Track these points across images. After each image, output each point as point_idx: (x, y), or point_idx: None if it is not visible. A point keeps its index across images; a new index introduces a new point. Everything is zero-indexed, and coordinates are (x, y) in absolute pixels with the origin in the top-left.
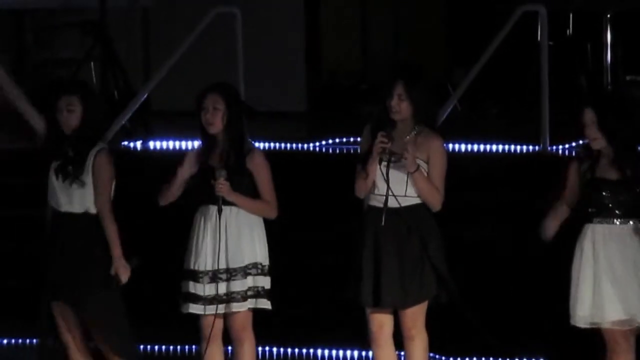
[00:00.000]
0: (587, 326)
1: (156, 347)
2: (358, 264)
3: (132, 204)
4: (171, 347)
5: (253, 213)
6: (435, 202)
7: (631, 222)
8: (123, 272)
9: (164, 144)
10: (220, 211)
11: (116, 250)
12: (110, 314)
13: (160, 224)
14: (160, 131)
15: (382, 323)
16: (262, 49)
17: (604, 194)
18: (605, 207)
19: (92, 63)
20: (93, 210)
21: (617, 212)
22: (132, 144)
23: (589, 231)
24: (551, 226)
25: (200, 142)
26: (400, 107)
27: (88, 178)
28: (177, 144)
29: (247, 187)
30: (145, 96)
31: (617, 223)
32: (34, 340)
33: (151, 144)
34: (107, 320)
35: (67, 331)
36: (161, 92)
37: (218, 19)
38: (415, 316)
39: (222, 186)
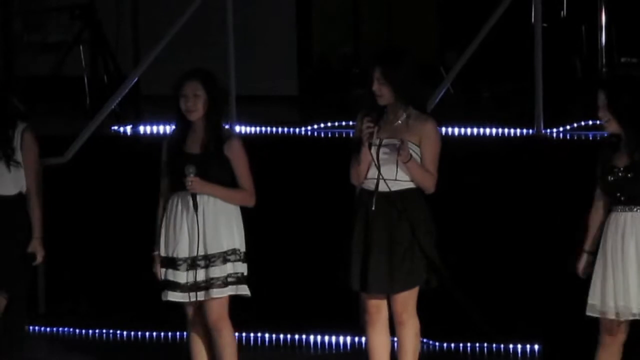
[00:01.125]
0: (596, 315)
1: (147, 334)
2: (348, 248)
3: (122, 188)
4: (162, 334)
5: (230, 202)
6: (429, 185)
7: (636, 210)
8: (40, 251)
9: (154, 129)
10: (195, 207)
11: (37, 231)
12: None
13: (150, 209)
14: (150, 115)
15: (377, 308)
16: (253, 33)
17: (609, 180)
18: (613, 195)
19: (81, 47)
20: (24, 190)
21: (622, 199)
22: (122, 129)
23: (609, 221)
24: (594, 221)
25: (175, 128)
26: (382, 91)
27: (19, 157)
28: (167, 128)
29: (225, 174)
30: (135, 80)
31: (626, 211)
32: None
33: (141, 129)
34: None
35: None
36: (151, 76)
37: (209, 2)
38: (406, 301)
39: (193, 183)
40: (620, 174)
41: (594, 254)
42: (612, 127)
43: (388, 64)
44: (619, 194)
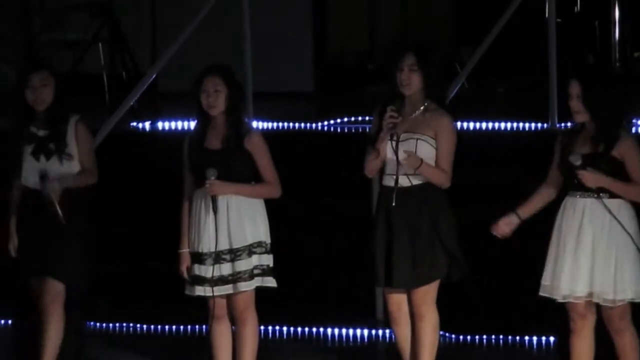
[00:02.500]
0: (547, 295)
1: (166, 328)
2: (371, 245)
3: (141, 184)
4: (181, 327)
5: (256, 197)
6: (444, 182)
7: (595, 197)
8: (55, 190)
9: (172, 125)
10: (215, 210)
11: (69, 182)
12: (78, 285)
13: (169, 204)
14: (168, 112)
15: (398, 305)
16: (269, 29)
17: (569, 168)
18: (571, 180)
19: (100, 44)
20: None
21: (579, 184)
22: (140, 125)
23: (565, 204)
24: (539, 193)
25: (196, 124)
26: (411, 79)
27: (73, 150)
28: (185, 124)
29: (247, 169)
30: (153, 77)
31: (582, 196)
32: (9, 322)
33: (159, 125)
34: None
35: (45, 304)
36: (169, 73)
37: None
38: (425, 295)
39: (212, 186)
40: (580, 161)
41: (519, 219)
42: (582, 118)
43: (422, 52)
44: (576, 180)
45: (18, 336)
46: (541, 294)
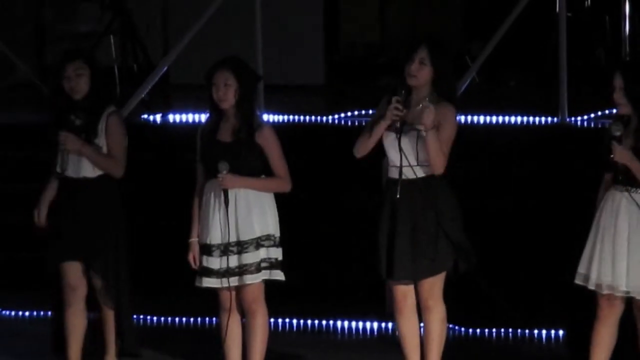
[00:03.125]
0: (581, 284)
1: (176, 320)
2: (375, 237)
3: (151, 176)
4: (191, 320)
5: (266, 191)
6: (440, 164)
7: (632, 191)
8: (72, 142)
9: (183, 117)
10: (227, 203)
11: (91, 151)
12: (116, 275)
13: (180, 196)
14: (180, 104)
15: (404, 295)
16: (280, 22)
17: (611, 157)
18: (612, 174)
19: (111, 37)
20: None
21: (619, 178)
22: (151, 117)
23: (607, 196)
24: (599, 196)
25: (208, 116)
26: (420, 72)
27: (102, 141)
28: (197, 117)
29: (257, 162)
30: (164, 70)
31: (622, 190)
32: (49, 313)
33: (170, 117)
34: (111, 282)
35: (73, 291)
36: (180, 65)
37: None
38: (432, 287)
39: (224, 180)
40: (619, 133)
41: None
42: (625, 110)
43: (435, 46)
44: (616, 174)
45: (56, 327)
46: (576, 281)
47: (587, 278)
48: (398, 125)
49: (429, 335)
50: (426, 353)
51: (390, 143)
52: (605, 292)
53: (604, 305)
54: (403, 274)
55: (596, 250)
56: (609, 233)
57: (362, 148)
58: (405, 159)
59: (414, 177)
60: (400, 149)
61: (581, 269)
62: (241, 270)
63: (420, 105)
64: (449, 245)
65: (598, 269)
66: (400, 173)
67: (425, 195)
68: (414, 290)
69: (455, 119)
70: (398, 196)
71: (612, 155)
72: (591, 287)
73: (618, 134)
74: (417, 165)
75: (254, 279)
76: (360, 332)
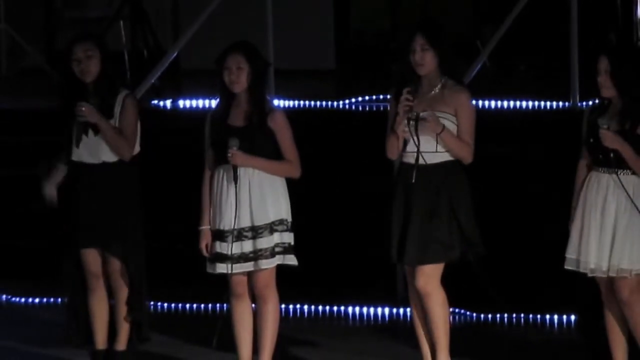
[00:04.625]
0: (572, 269)
1: (187, 306)
2: (388, 221)
3: (161, 162)
4: (202, 306)
5: (275, 174)
6: (466, 155)
7: (622, 173)
8: (92, 113)
9: (194, 103)
10: (235, 179)
11: (104, 122)
12: (133, 258)
13: (190, 182)
14: (190, 90)
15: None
16: (291, 7)
17: (592, 141)
18: (596, 155)
19: (121, 22)
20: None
21: (606, 160)
22: (161, 103)
23: (590, 179)
24: (578, 181)
25: (219, 101)
26: (425, 59)
27: (117, 123)
28: (207, 102)
29: (269, 147)
30: (174, 55)
31: (609, 172)
32: (59, 300)
33: (181, 103)
34: (129, 265)
35: (96, 278)
36: (190, 50)
37: None
38: (431, 273)
39: (234, 156)
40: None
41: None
42: (609, 93)
43: (431, 30)
44: (601, 156)
45: (72, 314)
46: (567, 267)
47: (577, 262)
48: (413, 114)
49: (432, 320)
50: (434, 337)
51: (406, 130)
52: (590, 274)
53: (604, 290)
54: (413, 258)
55: (583, 234)
56: (595, 215)
57: (393, 149)
58: (420, 147)
59: (430, 163)
60: (417, 137)
61: (569, 253)
62: (256, 255)
63: (426, 113)
64: (460, 233)
65: (586, 251)
66: (417, 159)
67: (440, 182)
68: (413, 274)
69: (471, 103)
70: (413, 181)
71: (600, 141)
72: (583, 270)
73: (606, 126)
74: (435, 152)
75: (269, 264)
76: (372, 318)
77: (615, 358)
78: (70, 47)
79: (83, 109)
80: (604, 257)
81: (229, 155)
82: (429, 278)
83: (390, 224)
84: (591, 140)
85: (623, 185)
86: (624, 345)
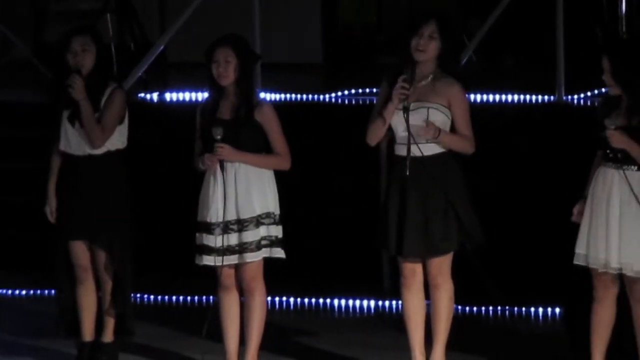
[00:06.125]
0: (582, 264)
1: (173, 298)
2: (384, 213)
3: (148, 155)
4: (188, 298)
5: (265, 168)
6: (467, 148)
7: (627, 169)
8: (78, 84)
9: (180, 96)
10: (222, 168)
11: (87, 102)
12: (119, 252)
13: (176, 175)
14: (177, 83)
15: (413, 271)
16: (279, 0)
17: (602, 136)
18: (604, 151)
19: (108, 15)
20: (112, 148)
21: (615, 157)
22: (148, 96)
23: (597, 174)
24: (593, 171)
25: (209, 94)
26: (428, 46)
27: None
28: (194, 95)
29: (257, 140)
30: (161, 48)
31: (616, 168)
32: (52, 292)
33: (167, 96)
34: (115, 258)
35: (84, 270)
36: (177, 43)
37: None
38: (441, 265)
39: (222, 150)
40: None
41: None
42: (615, 91)
43: (444, 22)
44: (608, 151)
45: (63, 305)
46: (576, 262)
47: (585, 257)
48: (406, 103)
49: (437, 312)
50: (434, 329)
51: (399, 121)
52: (601, 270)
53: (599, 286)
54: (412, 251)
55: (592, 229)
56: (601, 210)
57: (375, 135)
58: (413, 138)
59: (424, 154)
60: (409, 127)
61: (579, 249)
62: (241, 248)
63: (423, 84)
64: (457, 224)
65: (595, 246)
66: (409, 150)
67: (434, 173)
68: (423, 267)
69: (464, 94)
70: (407, 173)
71: (607, 140)
72: (592, 265)
73: (613, 127)
74: (426, 142)
75: (255, 257)
76: (358, 310)
77: (595, 353)
78: (67, 39)
79: (76, 81)
80: (613, 254)
81: (217, 150)
82: (439, 270)
83: (385, 217)
84: (602, 135)
85: (628, 182)
86: (605, 342)
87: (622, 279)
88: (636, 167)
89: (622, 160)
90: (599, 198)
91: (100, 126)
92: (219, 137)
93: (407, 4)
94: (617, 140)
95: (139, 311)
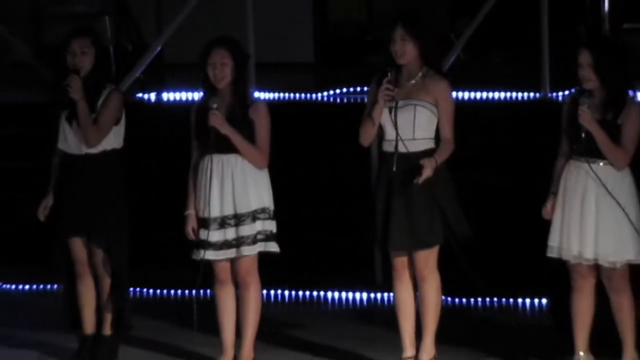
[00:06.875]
0: (555, 256)
1: (172, 292)
2: (372, 208)
3: (146, 152)
4: (186, 292)
5: (244, 154)
6: (451, 151)
7: (601, 163)
8: (76, 83)
9: (177, 96)
10: (211, 141)
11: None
12: (116, 249)
13: (173, 172)
14: (173, 83)
15: (402, 264)
16: (271, 1)
17: (579, 131)
18: (578, 144)
19: (107, 17)
20: (109, 148)
21: (583, 150)
22: (145, 96)
23: (567, 169)
24: (559, 166)
25: (203, 95)
26: (405, 48)
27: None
28: (190, 95)
29: (251, 139)
30: (158, 49)
31: (585, 161)
32: (55, 286)
33: (164, 96)
34: (112, 255)
35: (83, 265)
36: (174, 44)
37: None
38: (427, 258)
39: (215, 117)
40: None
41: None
42: (592, 85)
43: (410, 21)
44: (579, 144)
45: (68, 302)
46: (549, 254)
47: (558, 250)
48: (393, 103)
49: (425, 303)
50: (423, 320)
51: (386, 118)
52: (574, 261)
53: (576, 276)
54: (398, 245)
55: (565, 222)
56: (575, 204)
57: (367, 136)
58: (399, 135)
59: (411, 150)
60: (396, 124)
61: (552, 241)
62: (238, 242)
63: (412, 83)
64: (443, 218)
65: (568, 239)
66: (396, 147)
67: (420, 169)
68: (410, 261)
69: (451, 93)
70: (394, 169)
71: (578, 118)
72: (565, 257)
73: (587, 105)
74: (413, 139)
75: (251, 251)
76: (350, 302)
77: (578, 341)
78: (67, 40)
79: (73, 81)
80: (588, 245)
81: (210, 114)
82: (426, 263)
83: (374, 212)
84: (570, 128)
85: (598, 176)
86: (587, 330)
87: (598, 269)
88: (602, 162)
89: (590, 154)
90: (573, 192)
91: (96, 126)
92: (214, 105)
93: (396, 4)
94: (586, 118)
95: (138, 305)
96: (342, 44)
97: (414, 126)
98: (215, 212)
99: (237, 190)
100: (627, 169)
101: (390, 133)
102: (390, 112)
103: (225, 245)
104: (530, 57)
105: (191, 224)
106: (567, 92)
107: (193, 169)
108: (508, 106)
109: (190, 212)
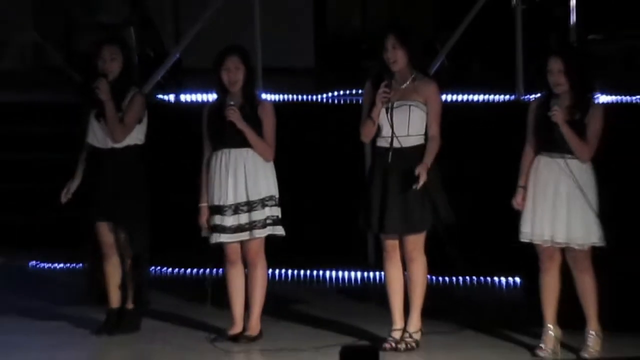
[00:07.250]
0: (527, 241)
1: (187, 271)
2: (368, 197)
3: (166, 148)
4: (201, 271)
5: (255, 148)
6: (438, 146)
7: (568, 158)
8: (103, 86)
9: (193, 97)
10: (227, 136)
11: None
12: (138, 233)
13: (189, 165)
14: (190, 85)
15: (393, 247)
16: (276, 12)
17: (551, 130)
18: (550, 142)
19: (131, 27)
20: (132, 143)
21: (553, 146)
22: (165, 97)
23: (537, 163)
24: (527, 162)
25: (216, 97)
26: (397, 56)
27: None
28: (205, 96)
29: (260, 135)
30: (177, 55)
31: (556, 157)
32: (80, 265)
33: (182, 97)
34: (134, 238)
35: (109, 247)
36: (190, 52)
37: None
38: (416, 241)
39: (232, 112)
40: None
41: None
42: (562, 89)
43: (400, 31)
44: (551, 141)
45: (92, 279)
46: (522, 239)
47: (530, 235)
48: (388, 105)
49: (413, 282)
50: (411, 297)
51: (383, 118)
52: (547, 245)
53: (544, 259)
54: (393, 229)
55: (537, 210)
56: (547, 194)
57: (368, 133)
58: (395, 132)
59: (404, 146)
60: (392, 124)
61: (524, 227)
62: (251, 226)
63: (405, 86)
64: (432, 206)
65: (540, 225)
66: (392, 142)
67: (412, 162)
68: (400, 244)
69: (439, 94)
70: (389, 161)
71: (549, 129)
72: (536, 241)
73: (557, 107)
74: (408, 135)
75: (262, 233)
76: (346, 280)
77: (546, 315)
78: (99, 47)
79: (102, 84)
80: (560, 230)
81: (228, 109)
82: (415, 245)
83: (369, 200)
84: (541, 127)
85: (570, 169)
86: (555, 306)
87: (563, 253)
88: (571, 157)
89: (565, 150)
90: (544, 184)
91: (122, 124)
92: (232, 103)
93: (388, 15)
94: (559, 118)
95: (158, 282)
96: (340, 51)
97: (408, 124)
98: (230, 199)
99: (249, 180)
100: (590, 162)
101: (386, 130)
102: (387, 112)
103: (239, 229)
104: (505, 64)
105: (204, 215)
106: (538, 95)
107: (205, 165)
108: (486, 107)
109: (203, 204)
